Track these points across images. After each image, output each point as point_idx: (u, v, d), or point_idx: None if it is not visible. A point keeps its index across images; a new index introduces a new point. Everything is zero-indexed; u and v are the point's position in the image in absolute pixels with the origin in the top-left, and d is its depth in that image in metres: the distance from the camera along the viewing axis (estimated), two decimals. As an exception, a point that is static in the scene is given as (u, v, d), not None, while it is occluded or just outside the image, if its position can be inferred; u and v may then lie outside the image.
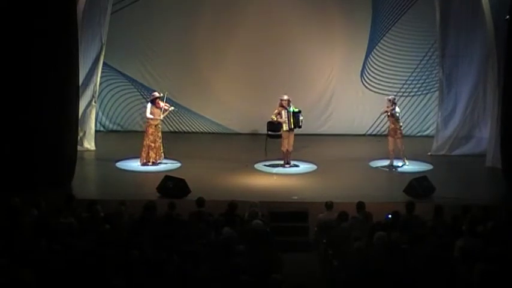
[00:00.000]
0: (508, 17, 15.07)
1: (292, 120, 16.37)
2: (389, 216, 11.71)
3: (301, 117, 16.45)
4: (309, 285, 8.56)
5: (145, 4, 19.60)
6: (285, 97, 16.49)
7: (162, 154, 16.56)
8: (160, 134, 16.52)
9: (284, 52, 19.71)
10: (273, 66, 19.66)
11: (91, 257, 8.97)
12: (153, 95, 16.69)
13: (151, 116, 16.39)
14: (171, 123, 19.90)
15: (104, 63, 18.38)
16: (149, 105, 16.56)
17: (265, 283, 8.58)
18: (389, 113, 16.78)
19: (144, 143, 16.38)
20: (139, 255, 9.07)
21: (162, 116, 16.50)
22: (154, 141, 16.37)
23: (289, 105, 16.43)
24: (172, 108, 16.93)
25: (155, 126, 16.40)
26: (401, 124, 16.93)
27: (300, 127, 16.50)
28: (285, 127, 16.45)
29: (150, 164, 16.33)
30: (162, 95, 16.68)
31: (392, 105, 16.68)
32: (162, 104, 16.49)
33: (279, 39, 19.66)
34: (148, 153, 16.35)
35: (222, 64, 19.89)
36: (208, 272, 8.78)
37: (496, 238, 10.25)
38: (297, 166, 16.71)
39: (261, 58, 19.71)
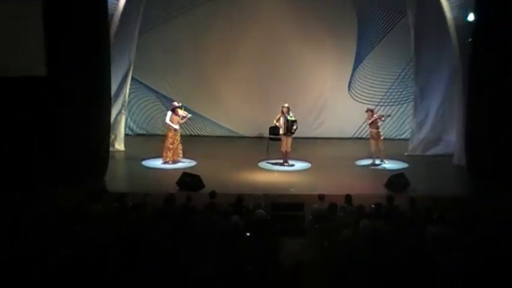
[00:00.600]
0: (470, 39, 15.12)
1: (286, 126, 16.33)
2: (373, 206, 11.66)
3: (294, 126, 16.36)
4: (304, 264, 8.42)
5: (167, 29, 19.58)
6: (286, 105, 16.46)
7: (180, 154, 16.51)
8: (178, 138, 16.49)
9: (284, 67, 19.68)
10: (275, 79, 19.63)
11: (120, 240, 8.94)
12: (173, 105, 16.69)
13: (170, 123, 16.36)
14: (188, 128, 19.84)
15: (132, 78, 18.39)
16: (169, 113, 16.58)
17: (268, 264, 8.55)
18: (371, 120, 16.78)
19: (165, 144, 16.38)
20: (160, 241, 9.02)
21: (181, 122, 16.53)
22: (173, 143, 16.33)
23: (288, 112, 16.38)
24: (190, 115, 16.88)
25: (174, 130, 16.36)
26: (380, 130, 16.90)
27: (292, 133, 16.41)
28: (282, 131, 16.43)
29: (170, 162, 16.28)
30: (180, 104, 16.67)
31: (372, 114, 16.73)
32: (180, 112, 16.49)
33: (280, 57, 19.65)
34: (168, 153, 16.32)
35: (231, 77, 19.86)
36: (218, 255, 8.71)
37: (463, 225, 10.21)
38: (293, 164, 16.64)
39: (265, 72, 19.68)
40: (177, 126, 16.41)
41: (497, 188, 13.59)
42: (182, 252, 8.60)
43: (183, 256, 8.44)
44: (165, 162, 16.32)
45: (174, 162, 16.32)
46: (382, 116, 17.22)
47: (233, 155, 17.54)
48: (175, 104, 16.72)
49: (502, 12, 14.22)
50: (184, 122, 17.18)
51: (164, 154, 16.38)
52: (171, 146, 16.33)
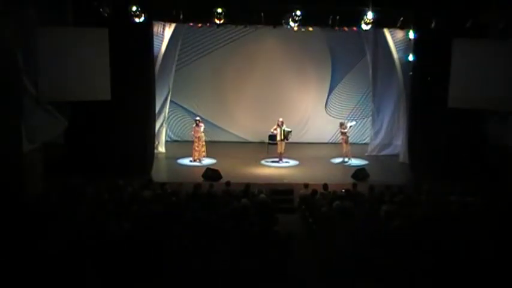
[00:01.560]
0: (410, 73, 15.23)
1: (282, 135, 16.36)
2: (343, 190, 11.75)
3: (289, 136, 16.39)
4: (294, 234, 8.58)
5: (195, 63, 19.40)
6: (280, 119, 16.54)
7: (203, 154, 16.49)
8: (202, 142, 16.46)
9: (279, 91, 19.53)
10: (273, 99, 19.44)
11: (163, 218, 9.05)
12: (196, 119, 16.75)
13: (193, 133, 16.47)
14: (211, 135, 19.80)
15: (170, 100, 18.36)
16: (194, 125, 16.65)
17: (268, 232, 8.69)
18: (342, 131, 16.86)
19: (193, 148, 16.43)
20: (192, 216, 9.14)
21: (201, 132, 16.49)
22: (198, 147, 16.39)
23: (282, 125, 16.45)
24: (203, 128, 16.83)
25: (197, 137, 16.40)
26: (348, 136, 16.97)
27: (287, 140, 16.45)
28: (278, 138, 16.48)
29: (196, 161, 16.33)
30: (198, 118, 16.75)
31: (343, 126, 16.78)
32: (201, 125, 16.52)
33: (276, 83, 19.49)
34: (194, 154, 16.38)
35: (241, 98, 19.66)
36: (232, 225, 8.83)
37: (404, 204, 10.34)
38: (286, 162, 16.70)
39: (266, 94, 19.48)
40: (199, 135, 16.37)
41: (430, 178, 13.59)
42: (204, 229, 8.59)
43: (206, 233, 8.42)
44: (193, 161, 16.39)
45: (199, 160, 16.36)
46: (351, 125, 17.25)
47: (242, 155, 17.53)
48: (198, 118, 16.85)
49: (433, 53, 14.27)
50: (206, 131, 17.15)
51: (192, 155, 16.47)
52: (196, 149, 16.40)
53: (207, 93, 19.73)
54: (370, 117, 18.89)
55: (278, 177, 14.86)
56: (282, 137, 16.41)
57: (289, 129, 16.44)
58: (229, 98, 19.79)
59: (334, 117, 19.86)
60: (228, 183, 12.28)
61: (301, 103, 19.93)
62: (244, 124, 19.93)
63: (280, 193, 13.52)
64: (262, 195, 11.48)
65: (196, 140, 16.45)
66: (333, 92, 19.95)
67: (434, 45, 14.09)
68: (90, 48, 12.71)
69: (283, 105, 19.39)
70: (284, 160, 16.72)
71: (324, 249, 8.44)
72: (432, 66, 14.33)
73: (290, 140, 16.90)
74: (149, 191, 11.23)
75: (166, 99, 17.88)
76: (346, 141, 16.91)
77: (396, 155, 17.28)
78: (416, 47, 14.73)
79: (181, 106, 19.91)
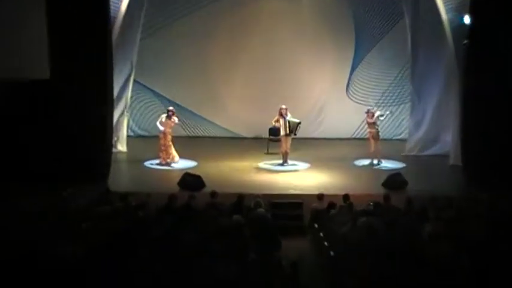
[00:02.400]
0: (465, 41, 15.06)
1: (288, 127, 16.39)
2: (371, 203, 11.78)
3: (297, 129, 16.39)
4: (303, 263, 8.60)
5: (169, 32, 19.60)
6: (283, 106, 16.50)
7: (172, 156, 16.46)
8: (168, 140, 16.40)
9: (283, 70, 19.71)
10: (274, 81, 19.66)
11: (124, 236, 9.12)
12: (169, 109, 16.68)
13: (159, 125, 16.44)
14: (189, 129, 19.99)
15: (134, 80, 18.43)
16: (163, 116, 16.60)
17: (267, 260, 8.68)
18: (370, 122, 16.85)
19: (159, 146, 16.50)
20: (164, 237, 9.16)
21: (170, 127, 16.47)
22: (164, 145, 16.40)
23: (286, 114, 16.45)
24: (177, 121, 16.79)
25: (163, 133, 16.40)
26: (378, 129, 17.00)
27: (295, 134, 16.48)
28: (282, 132, 16.49)
29: (163, 163, 16.35)
30: (172, 109, 16.67)
31: (371, 115, 16.79)
32: (174, 118, 16.49)
33: (279, 60, 19.68)
34: (161, 154, 16.40)
35: (230, 80, 19.89)
36: (220, 251, 8.82)
37: (457, 222, 10.34)
38: (293, 165, 16.70)
39: (264, 75, 19.70)
40: (167, 130, 16.39)
41: (492, 188, 13.50)
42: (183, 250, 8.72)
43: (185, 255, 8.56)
44: (160, 163, 16.44)
45: (167, 163, 16.37)
46: (383, 114, 17.27)
47: (233, 156, 17.58)
48: (170, 108, 16.83)
49: (498, 14, 14.15)
50: (185, 123, 17.15)
51: (159, 155, 16.53)
52: (163, 148, 16.44)
53: (185, 72, 19.83)
54: (409, 104, 18.98)
55: (282, 185, 14.86)
56: (287, 131, 16.41)
57: (297, 120, 16.43)
58: (216, 78, 19.88)
59: (358, 103, 19.99)
60: (213, 194, 12.26)
61: (314, 85, 20.05)
62: (236, 114, 20.05)
63: (284, 207, 13.53)
64: (261, 210, 11.44)
65: (162, 136, 16.49)
66: (357, 69, 20.10)
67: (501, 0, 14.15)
68: (20, 10, 12.71)
69: (289, 88, 19.53)
70: (290, 162, 16.76)
71: (344, 285, 8.42)
72: (497, 30, 14.21)
73: (298, 135, 16.90)
74: (106, 205, 11.25)
75: (128, 79, 17.91)
76: (375, 137, 16.91)
77: (444, 156, 17.34)
78: (475, 3, 14.67)
79: (149, 89, 20.02)
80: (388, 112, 18.05)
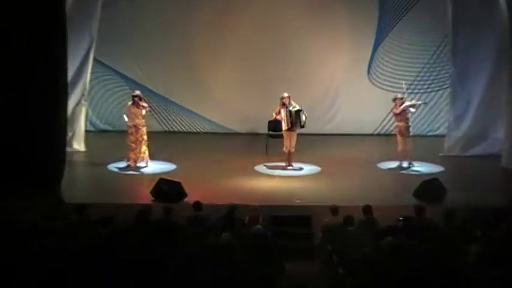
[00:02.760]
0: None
1: (290, 120, 16.35)
2: (401, 218, 11.79)
3: (303, 117, 16.44)
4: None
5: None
6: (285, 95, 16.47)
7: (144, 156, 16.52)
8: (141, 135, 16.44)
9: (286, 46, 19.83)
10: (275, 61, 19.80)
11: (82, 261, 9.06)
12: (135, 95, 16.59)
13: (125, 116, 16.51)
14: (168, 123, 20.05)
15: (95, 60, 18.46)
16: (129, 103, 16.63)
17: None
18: (399, 111, 16.79)
19: (127, 143, 16.51)
20: (130, 260, 9.16)
21: (141, 116, 16.47)
22: (135, 142, 16.40)
23: (289, 103, 16.44)
24: (148, 108, 16.87)
25: (133, 126, 16.41)
26: (409, 123, 16.98)
27: (302, 127, 16.48)
28: (284, 126, 16.49)
29: (132, 166, 16.42)
30: (139, 93, 16.66)
31: (399, 102, 16.75)
32: (144, 105, 16.48)
33: (281, 33, 19.80)
34: (129, 154, 16.45)
35: (219, 60, 20.01)
36: (206, 280, 8.82)
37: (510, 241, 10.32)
38: (300, 168, 16.76)
39: (262, 53, 19.83)
40: (137, 121, 16.40)
41: None
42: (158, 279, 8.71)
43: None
44: (128, 166, 16.47)
45: (136, 166, 16.42)
46: (415, 104, 17.24)
47: (222, 156, 17.66)
48: (136, 92, 16.74)
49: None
50: (161, 114, 17.17)
51: (127, 155, 16.53)
52: (132, 145, 16.43)
53: (161, 49, 19.92)
54: (448, 91, 19.07)
55: (285, 194, 14.90)
56: (289, 124, 16.39)
57: (299, 107, 16.35)
58: (202, 58, 19.98)
59: (383, 88, 20.08)
60: (197, 205, 12.25)
61: (325, 67, 20.16)
62: (227, 103, 20.16)
63: (288, 223, 13.55)
64: (258, 227, 11.37)
65: (131, 130, 16.47)
66: (381, 47, 20.19)
67: None
68: None
69: (292, 71, 19.66)
70: (295, 165, 16.82)
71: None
72: None
73: (306, 130, 16.92)
74: (60, 222, 11.16)
75: (86, 57, 17.90)
76: (405, 132, 16.87)
77: (494, 156, 17.43)
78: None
79: (114, 70, 20.13)
80: (420, 102, 18.00)
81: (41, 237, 10.13)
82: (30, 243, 9.68)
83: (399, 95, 17.18)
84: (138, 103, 16.39)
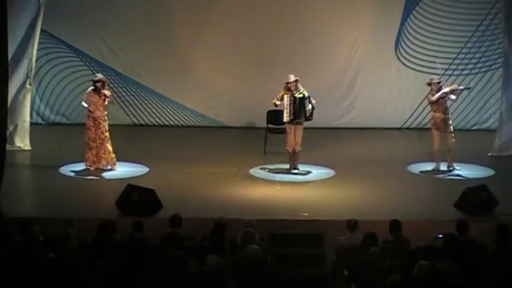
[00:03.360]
0: None
1: (293, 109, 16.36)
2: (440, 236, 11.80)
3: (308, 106, 16.41)
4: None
5: None
6: (292, 78, 16.41)
7: (108, 157, 16.60)
8: (103, 130, 16.52)
9: (289, 17, 19.99)
10: (275, 36, 19.94)
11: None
12: (96, 79, 16.64)
13: (85, 104, 16.57)
14: (137, 114, 20.06)
15: (44, 31, 18.58)
16: (88, 90, 16.69)
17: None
18: (436, 97, 16.75)
19: (84, 140, 16.61)
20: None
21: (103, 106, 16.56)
22: (94, 140, 16.49)
23: (296, 88, 16.42)
24: (112, 98, 16.89)
25: (93, 119, 16.48)
26: (448, 114, 16.95)
27: (308, 119, 16.49)
28: (286, 117, 16.47)
29: (91, 169, 16.52)
30: (101, 77, 16.72)
31: (439, 88, 16.71)
32: (106, 93, 16.50)
33: (283, 10, 19.99)
34: (88, 153, 16.54)
35: (205, 36, 20.17)
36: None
37: None
38: (307, 172, 16.82)
39: (258, 27, 20.00)
40: (98, 113, 16.47)
41: None
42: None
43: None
44: (87, 170, 16.54)
45: (99, 169, 16.50)
46: (457, 89, 17.17)
47: (209, 156, 17.73)
48: (98, 76, 16.81)
49: None
50: (127, 103, 17.18)
51: (85, 155, 16.60)
52: (91, 144, 16.49)
53: (130, 22, 20.08)
54: (499, 72, 19.14)
55: (289, 205, 14.94)
56: (291, 115, 16.35)
57: (304, 94, 16.34)
58: (182, 33, 20.19)
59: (415, 70, 20.13)
60: (176, 221, 12.25)
61: (342, 42, 20.32)
62: (215, 90, 20.35)
63: (294, 242, 13.64)
64: (254, 247, 11.37)
65: (90, 123, 16.51)
66: (413, 14, 20.22)
67: None
68: None
69: (298, 48, 19.78)
70: (301, 168, 16.85)
71: None
72: None
73: (316, 123, 17.08)
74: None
75: (32, 28, 17.87)
76: (442, 126, 16.87)
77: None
78: None
79: (69, 45, 20.16)
80: (462, 87, 17.97)
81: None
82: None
83: (435, 78, 17.16)
84: (99, 90, 16.37)
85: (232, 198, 15.23)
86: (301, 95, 16.35)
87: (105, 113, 16.54)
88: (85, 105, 16.49)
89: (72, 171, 16.56)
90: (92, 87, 16.53)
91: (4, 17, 14.87)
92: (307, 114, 16.41)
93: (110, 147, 16.55)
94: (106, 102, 16.48)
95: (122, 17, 20.04)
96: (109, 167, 16.55)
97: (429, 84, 16.98)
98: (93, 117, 16.42)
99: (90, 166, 16.51)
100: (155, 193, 14.29)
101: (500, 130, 18.38)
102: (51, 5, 18.21)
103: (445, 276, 9.95)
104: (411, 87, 19.60)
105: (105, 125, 16.52)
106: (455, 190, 14.89)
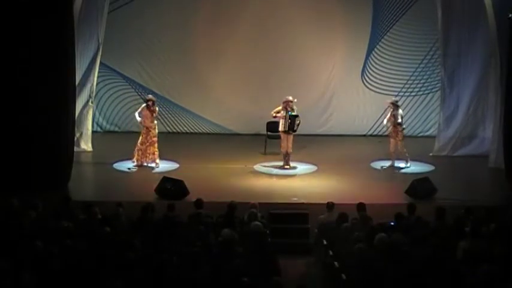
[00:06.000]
0: (510, 15, 15.03)
1: (286, 123, 16.35)
2: (392, 224, 11.71)
3: (297, 122, 16.43)
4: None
5: (143, 3, 19.57)
6: (290, 98, 16.44)
7: (151, 156, 16.44)
8: (151, 137, 16.42)
9: (284, 50, 19.73)
10: (273, 64, 19.69)
11: (88, 259, 9.05)
12: (148, 98, 16.67)
13: (138, 116, 16.45)
14: (170, 124, 19.96)
15: (101, 63, 18.37)
16: (143, 106, 16.61)
17: (265, 286, 8.64)
18: (390, 116, 16.74)
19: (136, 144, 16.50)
20: (136, 257, 9.13)
21: (153, 119, 16.46)
22: (143, 143, 16.39)
23: (292, 108, 16.37)
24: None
25: (145, 128, 16.41)
26: (403, 126, 16.90)
27: (294, 131, 16.47)
28: (281, 127, 16.47)
29: (137, 165, 16.40)
30: (152, 96, 16.66)
31: (394, 108, 16.67)
32: (155, 109, 16.46)
33: (279, 37, 19.69)
34: (137, 154, 16.41)
35: (221, 63, 19.89)
36: (207, 274, 8.82)
37: (499, 239, 10.26)
38: (296, 167, 16.69)
39: (261, 56, 19.73)
40: (150, 124, 16.40)
41: None
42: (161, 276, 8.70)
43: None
44: (136, 165, 16.43)
45: (141, 165, 16.37)
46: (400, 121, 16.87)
47: (223, 156, 17.59)
48: (149, 96, 16.80)
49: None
50: (163, 116, 17.10)
51: (134, 155, 16.49)
52: (140, 146, 16.40)
53: (164, 53, 19.86)
54: (438, 93, 18.99)
55: (283, 192, 14.89)
56: (286, 127, 16.36)
57: (295, 113, 16.34)
58: (203, 61, 19.88)
59: (376, 92, 19.99)
60: (199, 203, 12.26)
61: (322, 70, 20.05)
62: (227, 105, 20.08)
63: (286, 219, 13.57)
64: (256, 223, 11.43)
65: (144, 131, 16.45)
66: (375, 49, 20.06)
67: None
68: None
69: (290, 74, 19.56)
70: (292, 165, 16.75)
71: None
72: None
73: (303, 131, 16.97)
74: (65, 218, 11.11)
75: (93, 61, 17.81)
76: (398, 134, 16.81)
77: (483, 156, 17.37)
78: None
79: (119, 73, 19.99)
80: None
81: (49, 236, 10.10)
82: (36, 242, 9.61)
83: (396, 100, 17.21)
84: (150, 107, 16.41)
85: (240, 187, 15.19)
86: (294, 114, 16.39)
87: (155, 122, 16.48)
88: (138, 118, 16.42)
89: (122, 166, 16.52)
90: (145, 104, 16.56)
91: (73, 53, 14.91)
92: (295, 128, 16.42)
93: (154, 149, 16.45)
94: (154, 115, 16.48)
95: (155, 49, 19.85)
96: (151, 164, 16.43)
97: (393, 105, 16.82)
98: (145, 127, 16.40)
99: (137, 162, 16.43)
100: (183, 183, 14.24)
101: (438, 136, 18.27)
102: (106, 44, 18.11)
103: (397, 245, 9.99)
104: (373, 104, 19.50)
105: (154, 132, 16.45)
106: (406, 181, 14.88)
